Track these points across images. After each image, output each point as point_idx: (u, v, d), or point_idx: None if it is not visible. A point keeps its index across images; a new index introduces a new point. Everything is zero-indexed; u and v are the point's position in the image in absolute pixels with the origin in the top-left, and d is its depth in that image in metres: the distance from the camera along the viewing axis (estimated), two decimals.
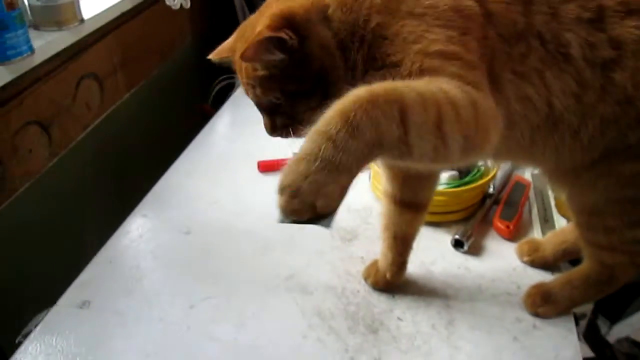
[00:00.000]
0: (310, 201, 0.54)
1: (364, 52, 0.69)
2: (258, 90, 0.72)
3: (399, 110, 0.54)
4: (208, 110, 1.88)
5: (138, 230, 1.08)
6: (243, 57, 0.66)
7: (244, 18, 1.86)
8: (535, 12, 0.68)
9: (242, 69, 0.73)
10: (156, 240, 1.06)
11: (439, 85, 0.59)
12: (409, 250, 0.96)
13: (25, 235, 1.18)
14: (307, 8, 0.69)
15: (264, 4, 0.75)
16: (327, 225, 0.57)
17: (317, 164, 0.53)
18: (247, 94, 0.75)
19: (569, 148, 0.75)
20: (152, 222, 1.11)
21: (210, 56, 0.81)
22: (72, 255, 1.30)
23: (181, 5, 1.21)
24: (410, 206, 0.91)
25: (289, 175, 0.54)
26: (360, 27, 0.68)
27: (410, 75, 0.63)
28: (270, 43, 0.66)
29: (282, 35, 0.66)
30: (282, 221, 0.55)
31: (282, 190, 0.54)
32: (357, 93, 0.55)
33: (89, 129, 1.35)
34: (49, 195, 1.24)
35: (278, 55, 0.67)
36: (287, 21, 0.67)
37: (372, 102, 0.54)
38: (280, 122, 0.74)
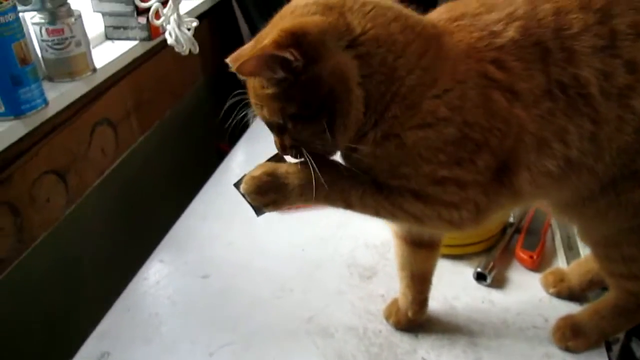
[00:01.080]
0: (257, 201, 0.73)
1: (383, 113, 0.68)
2: (265, 111, 0.70)
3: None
4: (225, 148, 1.89)
5: (155, 276, 1.08)
6: (239, 70, 0.64)
7: None
8: (553, 62, 0.67)
9: (251, 86, 0.71)
10: (174, 285, 1.06)
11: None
12: (428, 287, 0.94)
13: (43, 285, 1.18)
14: (322, 29, 0.64)
15: (279, 15, 0.71)
16: (257, 215, 0.76)
17: (280, 192, 0.72)
18: (256, 112, 0.73)
19: (585, 182, 0.74)
20: (169, 267, 1.10)
21: (228, 60, 0.75)
22: (91, 303, 1.30)
23: (190, 50, 1.23)
24: (422, 244, 0.89)
25: (265, 171, 0.72)
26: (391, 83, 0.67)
27: (411, 191, 0.71)
28: (273, 60, 0.63)
29: (287, 55, 0.62)
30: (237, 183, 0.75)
31: (254, 175, 0.72)
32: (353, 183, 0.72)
33: (105, 174, 1.36)
34: (66, 243, 1.24)
35: (280, 74, 0.64)
36: (296, 39, 0.63)
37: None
38: (289, 143, 0.72)
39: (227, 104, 0.75)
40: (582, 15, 0.67)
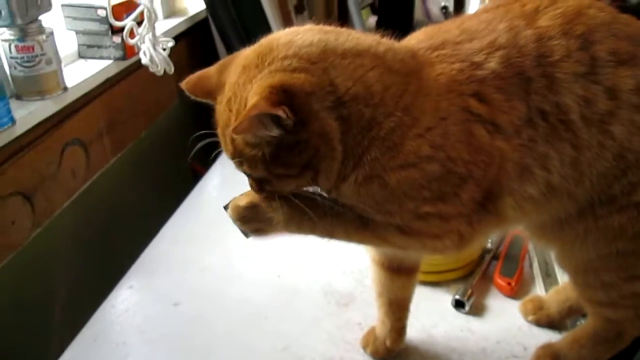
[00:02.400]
0: (242, 228, 0.73)
1: (361, 156, 0.66)
2: (245, 166, 0.68)
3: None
4: (199, 169, 1.85)
5: (124, 304, 1.03)
6: (236, 131, 0.62)
7: None
8: (534, 90, 0.67)
9: (227, 140, 0.68)
10: (143, 313, 1.01)
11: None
12: (406, 314, 0.92)
13: (8, 311, 1.13)
14: (309, 91, 0.62)
15: (251, 61, 0.66)
16: (245, 236, 0.75)
17: (264, 222, 0.71)
18: (236, 166, 0.70)
19: (565, 207, 0.74)
20: (139, 293, 1.06)
21: (183, 85, 0.73)
22: (57, 331, 1.24)
23: (165, 70, 1.20)
24: (400, 270, 0.87)
25: (250, 201, 0.71)
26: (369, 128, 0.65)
27: (395, 225, 0.70)
28: (266, 118, 0.61)
29: (280, 113, 0.59)
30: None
31: (239, 204, 0.71)
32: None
33: (75, 196, 1.31)
34: (32, 268, 1.19)
35: (274, 131, 0.62)
36: (287, 97, 0.61)
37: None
38: (268, 189, 0.70)
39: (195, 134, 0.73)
40: (564, 42, 0.67)
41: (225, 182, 1.45)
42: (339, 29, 0.69)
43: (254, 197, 0.71)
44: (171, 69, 1.22)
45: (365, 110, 0.64)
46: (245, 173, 0.71)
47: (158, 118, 1.68)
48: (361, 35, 0.69)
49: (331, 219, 0.70)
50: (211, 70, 0.72)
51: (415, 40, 0.73)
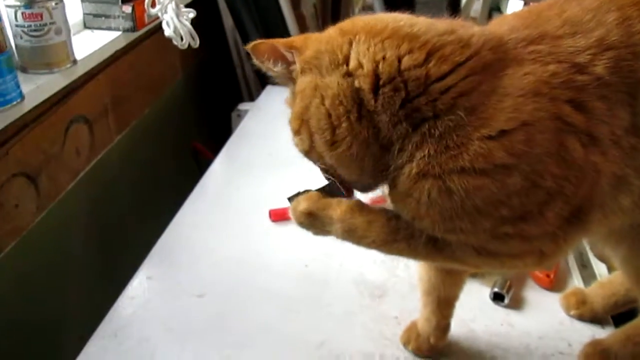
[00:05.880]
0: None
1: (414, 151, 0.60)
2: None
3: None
4: (200, 148, 1.78)
5: (144, 295, 0.96)
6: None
7: (237, 51, 1.78)
8: None
9: None
10: (166, 306, 0.95)
11: None
12: (453, 311, 0.87)
13: (12, 302, 1.05)
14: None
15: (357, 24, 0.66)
16: None
17: (322, 231, 0.69)
18: None
19: None
20: (160, 284, 0.99)
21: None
22: (69, 324, 1.17)
23: (189, 44, 1.11)
24: (452, 269, 0.81)
25: (307, 209, 0.68)
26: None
27: (470, 245, 0.63)
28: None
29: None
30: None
31: (298, 209, 0.69)
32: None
33: (79, 177, 1.23)
34: (38, 254, 1.11)
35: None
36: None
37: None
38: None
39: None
40: None
41: (241, 165, 1.36)
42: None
43: (312, 204, 0.68)
44: (196, 43, 1.13)
45: (395, 95, 0.60)
46: None
47: (162, 94, 1.59)
48: (449, 26, 0.62)
49: (398, 240, 0.65)
50: None
51: (507, 26, 0.64)
